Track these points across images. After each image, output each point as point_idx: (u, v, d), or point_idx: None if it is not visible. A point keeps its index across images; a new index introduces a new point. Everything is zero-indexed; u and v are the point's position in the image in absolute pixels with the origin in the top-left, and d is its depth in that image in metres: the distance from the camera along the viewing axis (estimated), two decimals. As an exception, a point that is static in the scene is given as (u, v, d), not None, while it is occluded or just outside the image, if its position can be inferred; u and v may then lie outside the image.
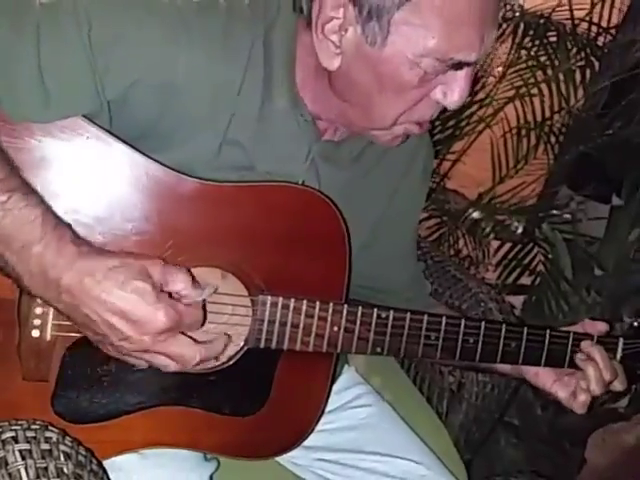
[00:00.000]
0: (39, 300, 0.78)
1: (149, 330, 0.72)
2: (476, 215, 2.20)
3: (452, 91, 0.84)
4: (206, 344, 0.78)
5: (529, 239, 2.13)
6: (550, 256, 2.08)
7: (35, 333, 0.81)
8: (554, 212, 2.15)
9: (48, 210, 0.73)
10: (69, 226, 0.74)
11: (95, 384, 0.86)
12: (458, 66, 0.81)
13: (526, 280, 2.15)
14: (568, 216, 2.14)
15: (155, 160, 0.83)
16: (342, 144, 0.98)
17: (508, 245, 2.16)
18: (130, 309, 0.71)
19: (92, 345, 0.78)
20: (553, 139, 2.17)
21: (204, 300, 0.79)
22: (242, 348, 0.90)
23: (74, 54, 0.77)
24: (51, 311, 0.81)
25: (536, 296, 2.08)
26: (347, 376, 1.22)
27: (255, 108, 0.88)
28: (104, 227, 0.81)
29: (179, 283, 0.75)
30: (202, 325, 0.79)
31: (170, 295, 0.75)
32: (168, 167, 0.84)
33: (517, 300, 2.10)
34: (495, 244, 2.18)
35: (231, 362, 0.90)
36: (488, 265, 2.16)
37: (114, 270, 0.71)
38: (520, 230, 2.11)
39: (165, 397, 0.88)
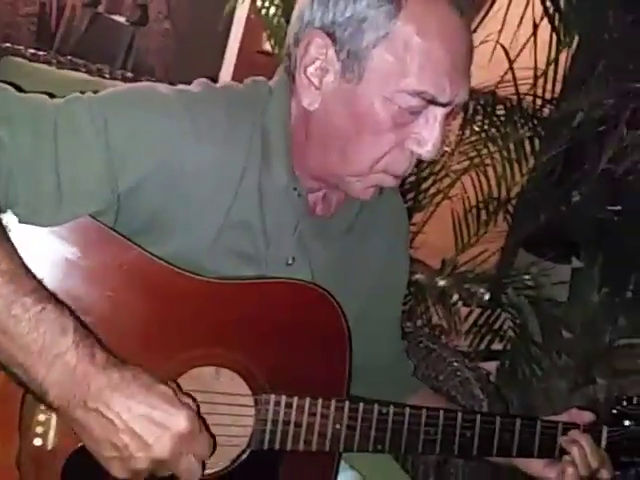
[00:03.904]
0: (42, 407, 0.78)
1: (172, 431, 0.73)
2: (443, 283, 2.23)
3: (425, 140, 0.86)
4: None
5: (496, 305, 2.17)
6: (518, 321, 2.12)
7: (37, 442, 0.79)
8: (517, 278, 2.20)
9: (77, 319, 0.74)
10: (94, 335, 0.75)
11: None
12: (430, 103, 0.84)
13: (497, 346, 2.19)
14: (530, 282, 2.19)
15: (160, 258, 0.84)
16: (331, 219, 1.00)
17: (477, 312, 2.20)
18: (154, 410, 0.72)
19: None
20: (511, 208, 2.25)
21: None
22: (245, 450, 0.89)
23: (90, 155, 0.80)
24: (54, 418, 0.80)
25: (509, 361, 2.11)
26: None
27: (255, 189, 0.91)
28: (108, 327, 0.81)
29: None
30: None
31: None
32: (171, 264, 0.85)
33: (490, 366, 2.12)
34: (465, 311, 2.21)
35: (234, 465, 0.89)
36: (459, 333, 2.18)
37: (140, 375, 0.74)
38: (487, 297, 2.15)
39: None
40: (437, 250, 2.38)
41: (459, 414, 0.97)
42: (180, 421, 0.73)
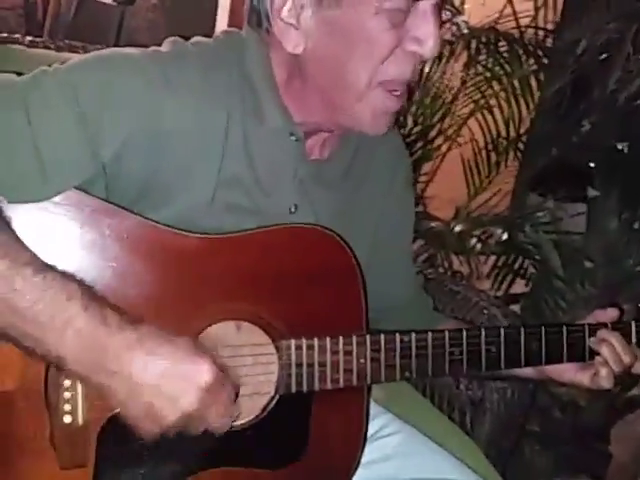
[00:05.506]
0: (66, 384, 0.78)
1: (197, 384, 0.72)
2: (459, 228, 2.21)
3: (423, 36, 0.84)
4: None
5: (515, 245, 2.15)
6: (538, 257, 2.10)
7: (67, 419, 0.80)
8: (533, 215, 2.17)
9: (81, 282, 0.73)
10: (103, 297, 0.75)
11: (134, 461, 0.83)
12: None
13: (520, 286, 2.17)
14: (546, 218, 2.16)
15: (157, 222, 0.83)
16: (328, 162, 0.99)
17: (497, 255, 2.18)
18: (177, 364, 0.72)
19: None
20: (521, 145, 2.22)
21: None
22: (273, 397, 0.89)
23: (65, 125, 0.79)
24: (80, 393, 0.80)
25: (532, 300, 2.09)
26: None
27: (241, 141, 0.89)
28: (117, 298, 0.79)
29: None
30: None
31: None
32: (170, 227, 0.84)
33: (515, 309, 2.10)
34: (485, 256, 2.19)
35: (265, 413, 0.89)
36: (481, 276, 2.16)
37: (156, 331, 0.73)
38: (505, 237, 2.13)
39: (205, 461, 0.87)
40: (449, 202, 2.36)
41: (482, 330, 0.97)
42: (204, 373, 0.73)
